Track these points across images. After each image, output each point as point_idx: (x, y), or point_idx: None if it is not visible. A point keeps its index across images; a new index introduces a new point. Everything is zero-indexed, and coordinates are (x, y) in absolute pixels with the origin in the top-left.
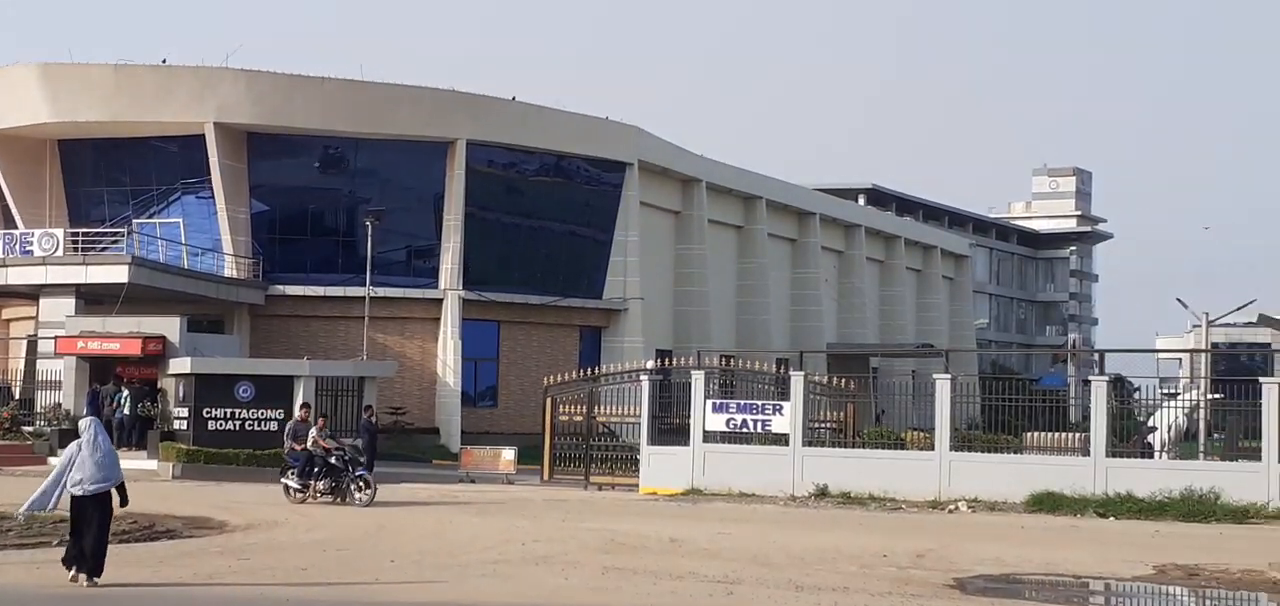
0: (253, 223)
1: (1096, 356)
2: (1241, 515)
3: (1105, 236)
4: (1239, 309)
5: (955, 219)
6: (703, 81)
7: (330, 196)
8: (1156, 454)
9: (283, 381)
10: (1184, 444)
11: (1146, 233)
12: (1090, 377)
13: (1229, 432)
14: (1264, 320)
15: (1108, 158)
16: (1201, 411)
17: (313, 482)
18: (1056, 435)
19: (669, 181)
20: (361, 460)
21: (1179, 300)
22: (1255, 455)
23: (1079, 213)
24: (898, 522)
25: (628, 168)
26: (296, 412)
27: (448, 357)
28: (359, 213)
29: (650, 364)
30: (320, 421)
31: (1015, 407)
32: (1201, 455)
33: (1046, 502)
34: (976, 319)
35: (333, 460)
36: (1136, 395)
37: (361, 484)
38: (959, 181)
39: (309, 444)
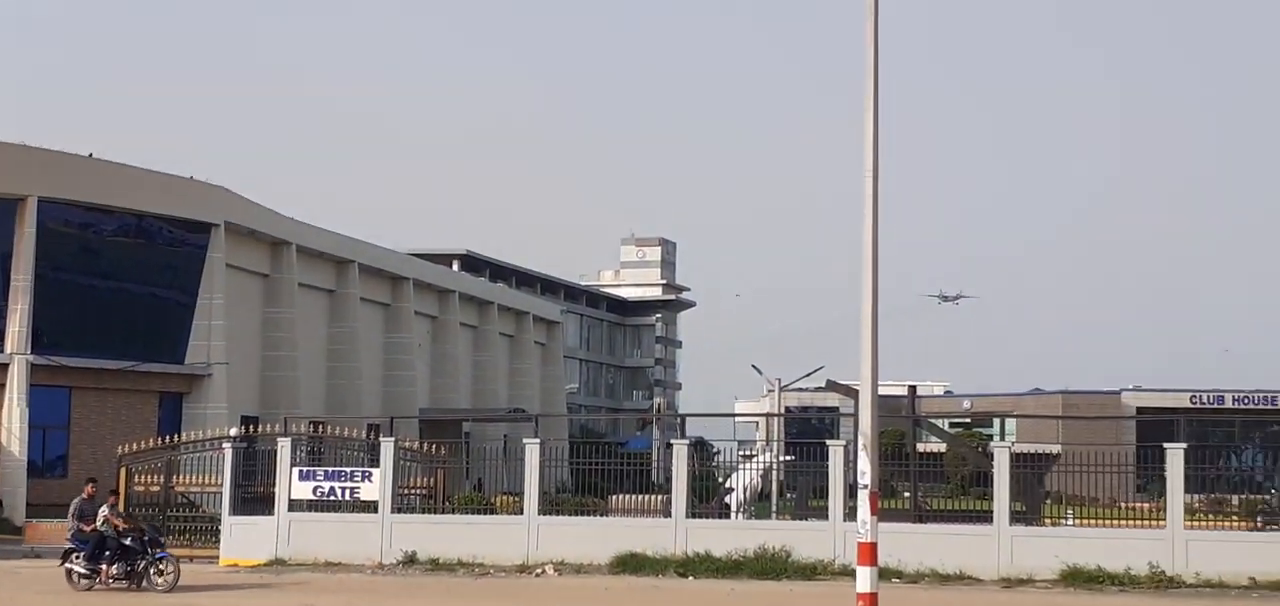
0: None
1: (679, 420)
2: (810, 572)
3: (689, 304)
4: (808, 375)
5: (547, 286)
6: (294, 143)
7: None
8: (733, 514)
9: None
10: (759, 503)
11: (727, 302)
12: (673, 440)
13: (800, 492)
14: (831, 385)
15: (691, 228)
16: (775, 472)
17: (104, 566)
18: (641, 497)
19: (257, 243)
20: (161, 540)
21: (754, 366)
22: (823, 514)
23: (664, 281)
24: (484, 588)
25: (213, 228)
26: (84, 489)
27: (13, 425)
28: None
29: (235, 431)
30: (112, 497)
31: (603, 470)
32: (774, 514)
33: (630, 564)
34: (567, 383)
35: (128, 542)
36: (717, 457)
37: (161, 567)
38: (551, 249)
39: (99, 524)
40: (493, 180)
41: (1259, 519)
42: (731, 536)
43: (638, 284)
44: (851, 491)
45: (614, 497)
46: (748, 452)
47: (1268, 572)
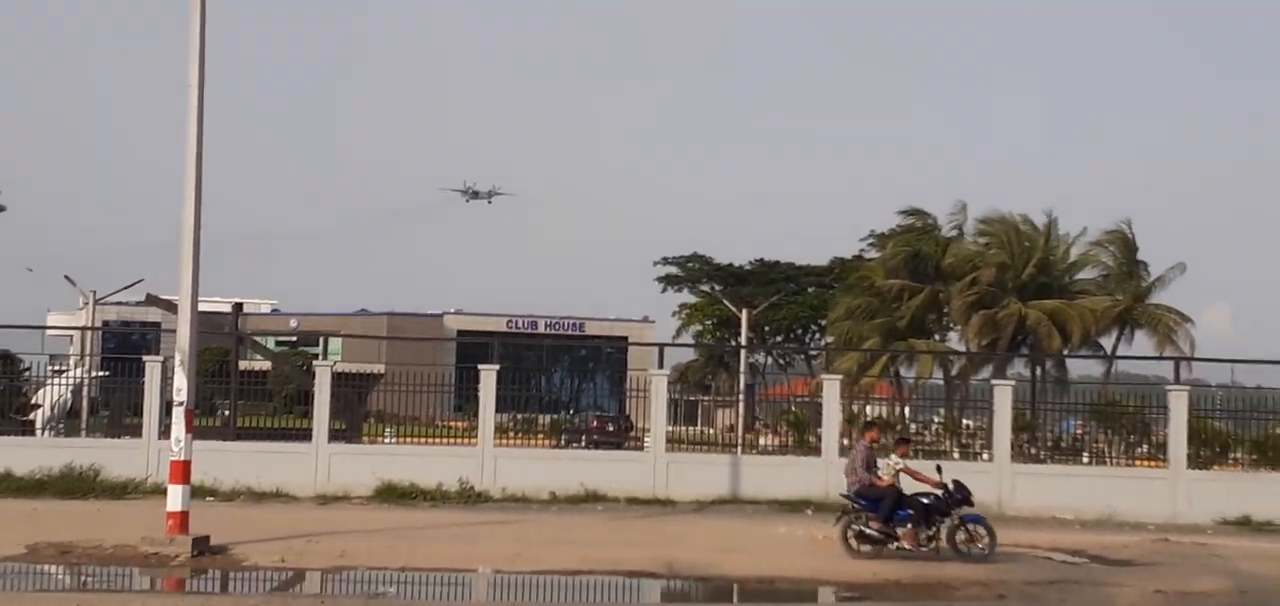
0: None
1: None
2: (121, 490)
3: None
4: (127, 287)
5: None
6: None
7: None
8: (40, 431)
9: None
10: (70, 420)
11: (38, 211)
12: None
13: (114, 409)
14: (151, 299)
15: None
16: (87, 388)
17: (910, 529)
18: None
19: None
20: (970, 497)
21: (67, 277)
22: (138, 431)
23: None
24: None
25: None
26: (864, 435)
27: None
28: None
29: None
30: (901, 446)
31: None
32: (84, 432)
33: None
34: None
35: (925, 500)
36: (27, 372)
37: (971, 531)
38: None
39: (889, 477)
40: None
41: (563, 437)
42: (36, 454)
43: None
44: (169, 409)
45: None
46: (59, 367)
47: (566, 487)
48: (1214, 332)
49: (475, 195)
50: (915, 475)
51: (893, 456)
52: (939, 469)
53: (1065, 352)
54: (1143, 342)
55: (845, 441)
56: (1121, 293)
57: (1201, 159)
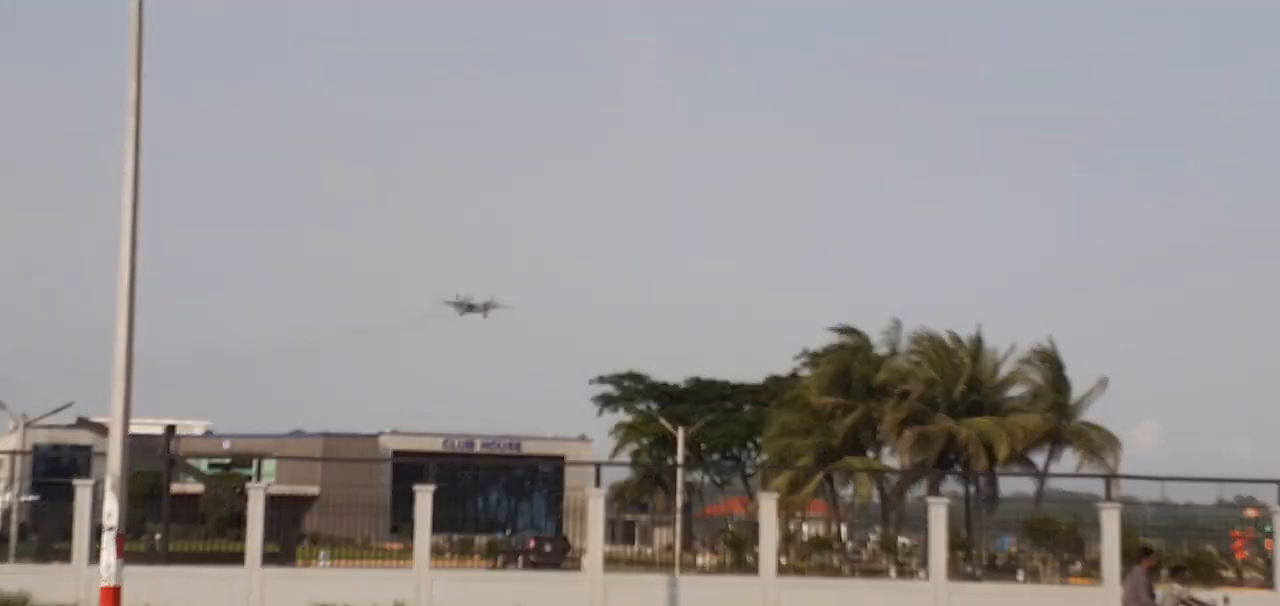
0: None
1: None
2: None
3: None
4: (58, 411)
5: None
6: None
7: None
8: None
9: None
10: None
11: None
12: None
13: (43, 534)
14: (83, 423)
15: None
16: (15, 512)
17: None
18: None
19: None
20: None
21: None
22: (69, 557)
23: None
24: None
25: None
26: (1140, 562)
27: None
28: None
29: None
30: (1177, 575)
31: None
32: (14, 558)
33: None
34: None
35: None
36: None
37: None
38: None
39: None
40: None
41: (500, 558)
42: None
43: None
44: (99, 534)
45: None
46: None
47: None
48: (1144, 449)
49: (470, 308)
50: (1195, 605)
51: (1173, 585)
52: (1226, 600)
53: (997, 470)
54: (1072, 459)
55: (782, 559)
56: (1050, 409)
57: (1130, 275)
